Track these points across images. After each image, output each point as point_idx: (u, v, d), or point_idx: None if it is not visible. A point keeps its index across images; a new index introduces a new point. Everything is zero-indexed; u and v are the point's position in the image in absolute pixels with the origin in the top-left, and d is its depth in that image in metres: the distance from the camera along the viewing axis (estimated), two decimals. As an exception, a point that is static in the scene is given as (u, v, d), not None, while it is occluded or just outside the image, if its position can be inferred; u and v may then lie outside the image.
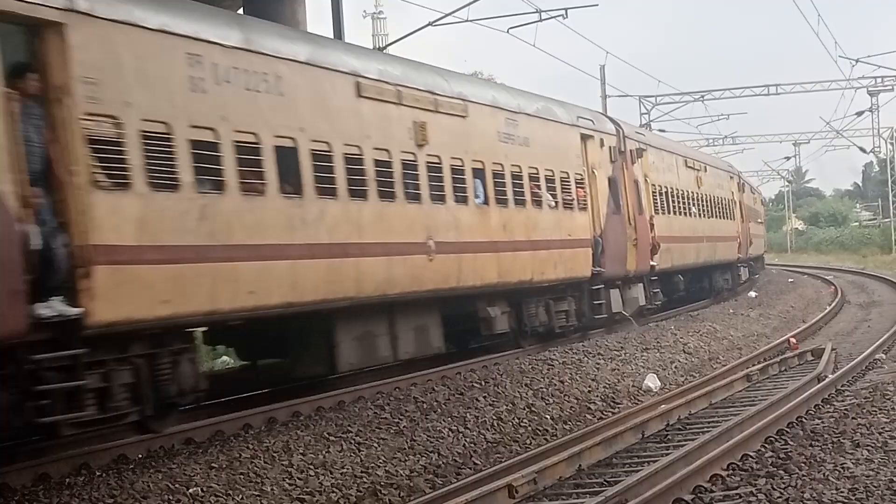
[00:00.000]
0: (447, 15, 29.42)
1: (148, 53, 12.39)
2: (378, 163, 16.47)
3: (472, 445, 13.57)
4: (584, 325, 24.28)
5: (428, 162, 17.91)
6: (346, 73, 16.22)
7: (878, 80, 53.35)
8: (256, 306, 13.81)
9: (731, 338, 24.89)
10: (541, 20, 31.19)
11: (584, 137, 24.58)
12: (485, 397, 15.93)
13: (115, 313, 11.59)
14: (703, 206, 36.10)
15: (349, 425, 13.79)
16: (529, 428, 14.73)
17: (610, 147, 26.05)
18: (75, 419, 11.25)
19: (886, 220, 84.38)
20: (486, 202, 19.72)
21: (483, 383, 17.00)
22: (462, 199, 18.81)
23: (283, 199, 14.36)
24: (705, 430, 13.43)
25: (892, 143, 74.32)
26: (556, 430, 14.75)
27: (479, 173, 19.65)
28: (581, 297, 24.05)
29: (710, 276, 38.17)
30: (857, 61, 55.05)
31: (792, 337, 23.40)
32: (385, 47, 37.70)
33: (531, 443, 13.92)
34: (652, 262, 28.21)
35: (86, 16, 11.57)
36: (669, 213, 31.32)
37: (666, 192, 31.19)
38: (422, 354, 18.46)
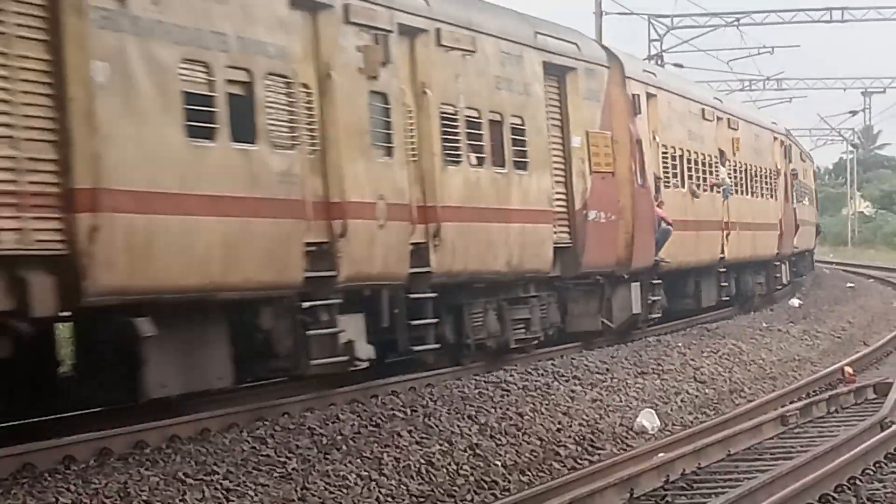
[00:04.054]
0: None
1: None
2: None
3: (390, 500, 13.59)
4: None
5: None
6: None
7: None
8: None
9: (761, 362, 25.11)
10: None
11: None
12: (410, 432, 16.03)
13: None
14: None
15: (215, 464, 13.82)
16: (472, 478, 14.77)
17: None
18: None
19: None
20: None
21: (409, 412, 17.13)
22: None
23: None
24: (719, 490, 13.46)
25: None
26: (508, 482, 14.82)
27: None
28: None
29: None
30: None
31: (848, 365, 23.58)
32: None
33: (473, 499, 13.93)
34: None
35: None
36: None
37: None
38: None
